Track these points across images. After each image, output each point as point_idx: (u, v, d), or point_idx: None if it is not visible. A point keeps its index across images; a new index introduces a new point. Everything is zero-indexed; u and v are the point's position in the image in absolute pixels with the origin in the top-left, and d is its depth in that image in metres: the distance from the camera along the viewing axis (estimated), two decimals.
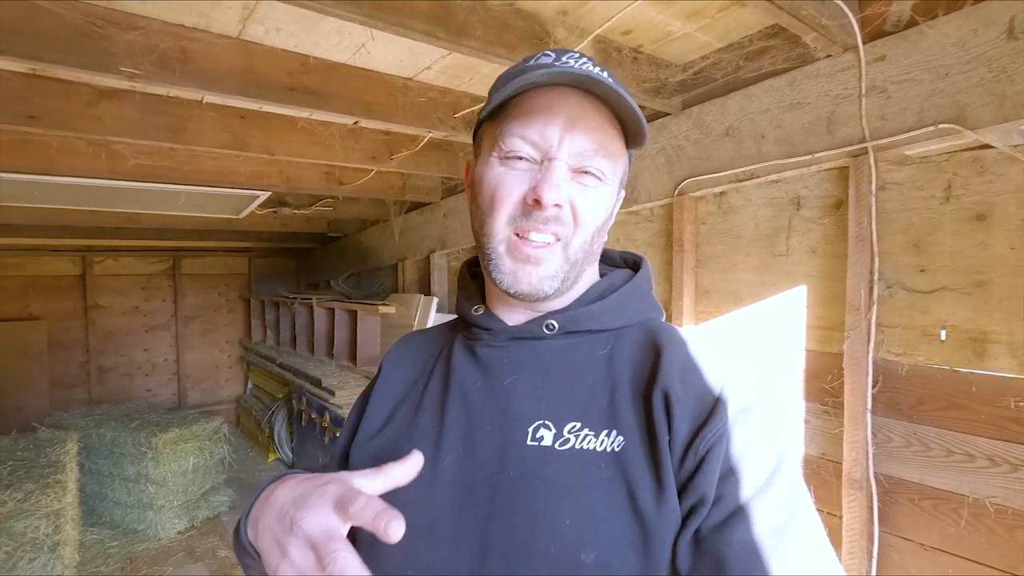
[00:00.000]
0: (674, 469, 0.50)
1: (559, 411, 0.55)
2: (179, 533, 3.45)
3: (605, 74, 0.58)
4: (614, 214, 0.65)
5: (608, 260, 0.71)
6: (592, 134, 0.57)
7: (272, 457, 4.55)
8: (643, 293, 0.65)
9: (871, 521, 1.44)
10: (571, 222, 0.57)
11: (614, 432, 0.53)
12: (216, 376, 5.80)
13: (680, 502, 0.50)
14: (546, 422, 0.55)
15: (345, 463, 0.66)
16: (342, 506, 0.42)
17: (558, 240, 0.57)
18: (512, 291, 0.58)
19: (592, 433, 0.53)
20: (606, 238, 0.64)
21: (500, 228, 0.58)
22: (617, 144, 0.60)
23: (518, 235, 0.57)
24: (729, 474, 0.49)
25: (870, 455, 1.43)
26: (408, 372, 0.69)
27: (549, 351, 0.60)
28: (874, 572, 1.44)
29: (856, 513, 1.45)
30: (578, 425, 0.54)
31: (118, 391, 5.19)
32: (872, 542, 1.44)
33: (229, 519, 3.61)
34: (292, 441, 4.17)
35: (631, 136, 0.61)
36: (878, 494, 1.44)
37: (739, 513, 0.48)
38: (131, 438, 3.41)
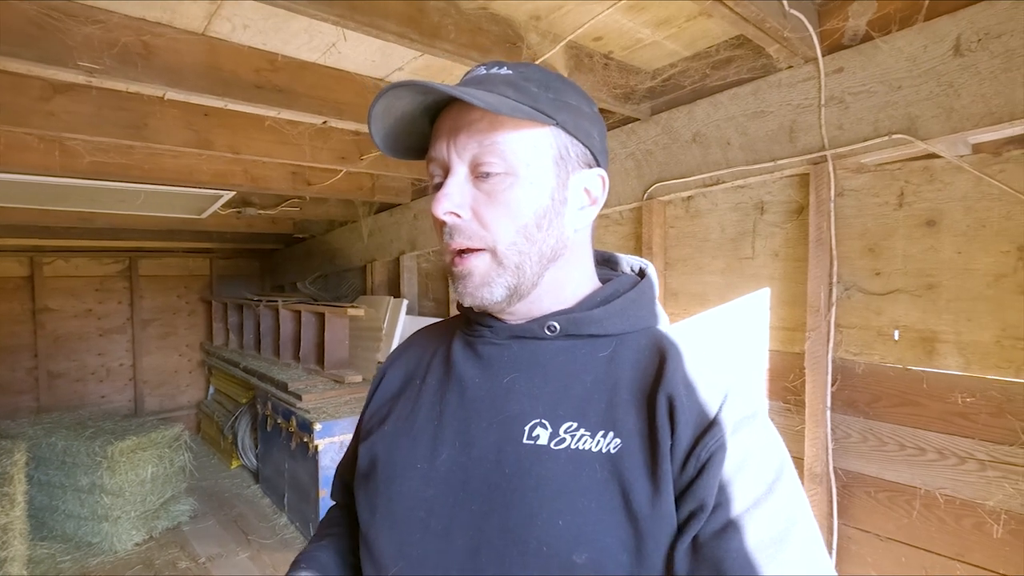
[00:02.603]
0: (674, 474, 0.51)
1: (556, 410, 0.56)
2: (137, 545, 3.30)
3: (500, 69, 0.59)
4: (568, 200, 0.60)
5: (614, 265, 0.71)
6: (471, 128, 0.56)
7: (235, 464, 4.42)
8: (647, 300, 0.64)
9: (831, 514, 1.50)
10: (480, 228, 0.56)
11: (611, 434, 0.53)
12: (175, 381, 5.59)
13: (679, 507, 0.50)
14: (543, 421, 0.55)
15: (355, 462, 0.68)
16: None
17: (480, 250, 0.57)
18: (467, 306, 0.60)
19: (588, 434, 0.54)
20: (563, 232, 0.60)
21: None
22: (512, 123, 0.56)
23: (448, 256, 0.59)
24: (730, 482, 0.49)
25: (830, 451, 1.49)
26: (406, 368, 0.70)
27: (549, 351, 0.60)
28: (833, 564, 1.50)
29: (817, 507, 1.50)
30: (574, 425, 0.54)
31: (70, 398, 4.94)
32: (832, 534, 1.50)
33: (190, 529, 3.49)
34: (256, 447, 4.05)
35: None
36: (837, 488, 1.50)
37: (739, 521, 0.48)
38: (84, 447, 3.25)
